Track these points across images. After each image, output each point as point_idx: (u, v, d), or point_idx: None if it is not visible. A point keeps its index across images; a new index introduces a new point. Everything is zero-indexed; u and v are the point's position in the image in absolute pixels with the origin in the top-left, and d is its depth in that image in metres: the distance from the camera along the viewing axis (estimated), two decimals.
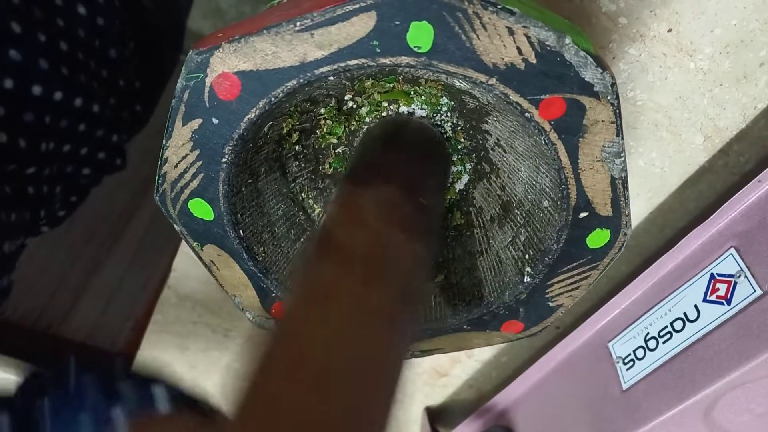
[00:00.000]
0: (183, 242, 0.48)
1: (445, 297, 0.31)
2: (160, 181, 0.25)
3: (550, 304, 0.29)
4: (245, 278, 0.28)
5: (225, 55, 0.21)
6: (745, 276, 0.30)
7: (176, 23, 0.44)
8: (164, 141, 0.23)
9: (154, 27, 0.38)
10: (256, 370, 0.15)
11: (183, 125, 0.23)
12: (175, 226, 0.26)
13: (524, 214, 0.29)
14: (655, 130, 0.36)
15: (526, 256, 0.28)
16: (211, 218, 0.26)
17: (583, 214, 0.25)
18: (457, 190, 0.31)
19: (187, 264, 0.50)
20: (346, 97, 0.29)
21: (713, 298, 0.31)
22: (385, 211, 0.22)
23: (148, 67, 0.39)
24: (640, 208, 0.41)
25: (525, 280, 0.28)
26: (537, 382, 0.44)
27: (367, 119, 0.30)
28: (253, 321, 0.31)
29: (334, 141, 0.31)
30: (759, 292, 0.29)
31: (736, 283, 0.30)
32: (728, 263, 0.31)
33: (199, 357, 0.63)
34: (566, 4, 0.30)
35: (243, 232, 0.27)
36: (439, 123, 0.29)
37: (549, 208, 0.26)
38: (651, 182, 0.39)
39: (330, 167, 0.32)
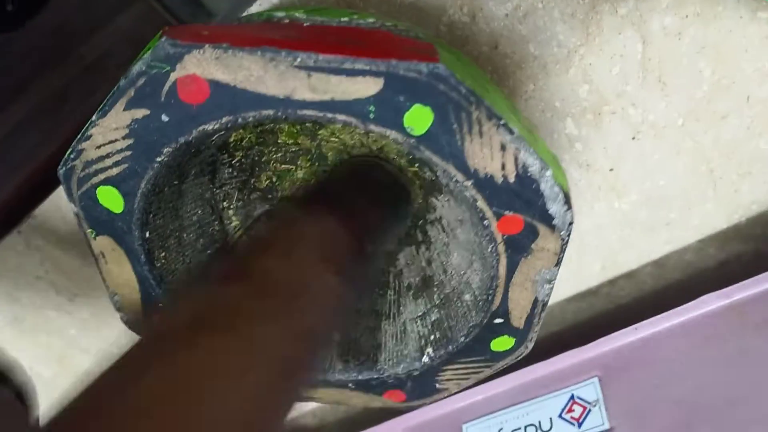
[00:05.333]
0: (58, 192, 0.42)
1: (338, 350, 0.30)
2: (72, 156, 0.21)
3: (438, 385, 0.29)
4: (134, 281, 0.25)
5: (204, 58, 0.18)
6: (600, 407, 0.33)
7: None
8: (94, 117, 0.20)
9: None
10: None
11: (125, 109, 0.20)
12: (72, 206, 0.23)
13: (442, 297, 0.29)
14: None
15: (432, 337, 0.28)
16: (119, 211, 0.23)
17: (497, 320, 0.26)
18: None
19: (51, 216, 0.44)
20: (306, 123, 0.28)
21: (568, 417, 0.34)
22: (327, 249, 0.20)
23: None
24: None
25: (423, 360, 0.28)
26: None
27: (331, 148, 0.29)
28: (125, 321, 0.27)
29: (280, 156, 0.29)
30: (606, 426, 0.32)
31: (590, 411, 0.33)
32: (589, 390, 0.34)
33: (29, 312, 0.55)
34: (538, 114, 0.31)
35: (149, 234, 0.24)
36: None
37: (469, 303, 0.27)
38: None
39: (266, 180, 0.30)
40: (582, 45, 0.29)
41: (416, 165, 0.28)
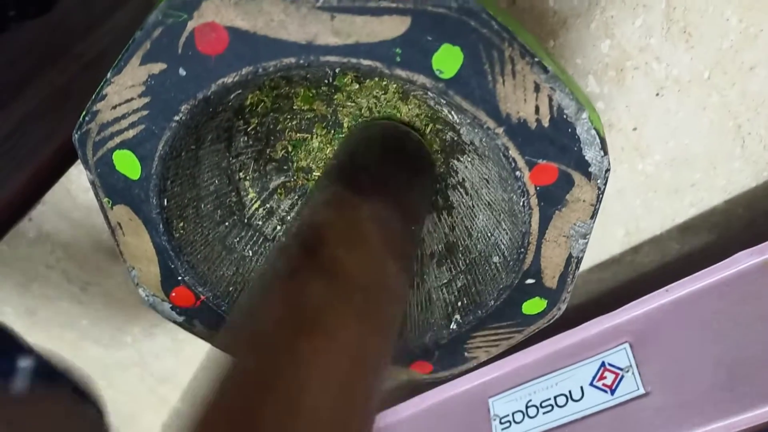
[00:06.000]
0: (68, 176, 0.41)
1: None
2: (87, 118, 0.20)
3: (466, 354, 0.28)
4: (153, 252, 0.24)
5: (223, 4, 0.18)
6: (633, 372, 0.32)
7: None
8: (109, 75, 0.19)
9: None
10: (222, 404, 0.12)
11: (140, 64, 0.19)
12: (87, 173, 0.22)
13: (468, 261, 0.28)
14: None
15: (459, 303, 0.28)
16: (137, 177, 0.22)
17: (529, 281, 0.25)
18: None
19: (61, 200, 0.43)
20: (322, 88, 0.27)
21: (599, 384, 0.33)
22: (385, 233, 0.19)
23: None
24: None
25: (451, 327, 0.27)
26: (407, 418, 0.44)
27: (347, 114, 0.28)
28: (146, 299, 0.27)
29: (295, 124, 0.28)
30: (642, 390, 0.31)
31: (623, 377, 0.32)
32: (620, 356, 0.33)
33: (41, 304, 0.55)
34: (562, 75, 0.30)
35: (167, 202, 0.23)
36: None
37: (498, 265, 0.26)
38: None
39: (281, 150, 0.29)
40: None
41: (437, 125, 0.27)
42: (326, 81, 0.27)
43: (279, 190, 0.30)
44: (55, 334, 0.57)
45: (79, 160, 0.36)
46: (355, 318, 0.15)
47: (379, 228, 0.19)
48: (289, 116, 0.28)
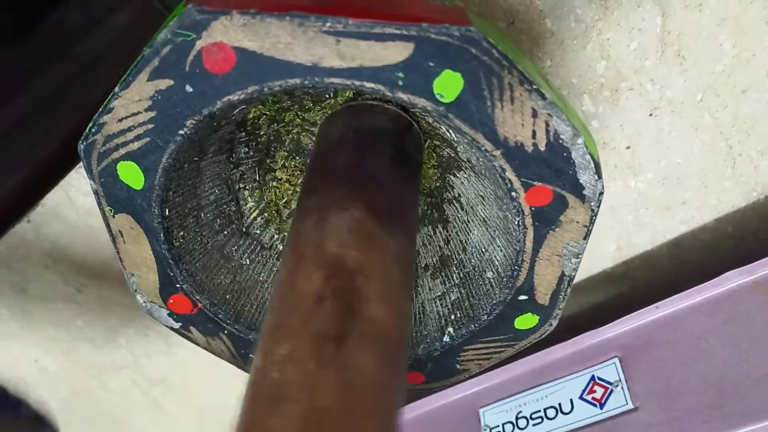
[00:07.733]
0: (67, 179, 0.41)
1: None
2: (93, 130, 0.21)
3: (458, 366, 0.29)
4: (152, 260, 0.25)
5: (231, 25, 0.18)
6: (622, 387, 0.33)
7: None
8: (117, 89, 0.20)
9: None
10: None
11: (148, 80, 0.19)
12: (91, 183, 0.22)
13: (462, 275, 0.28)
14: None
15: (452, 317, 0.28)
16: (140, 187, 0.22)
17: (522, 297, 0.25)
18: None
19: (60, 203, 0.44)
20: (323, 101, 0.27)
21: (589, 398, 0.34)
22: (407, 278, 0.18)
23: None
24: None
25: (444, 340, 0.28)
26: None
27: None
28: (143, 305, 0.27)
29: (295, 134, 0.29)
30: (630, 405, 0.32)
31: (612, 391, 0.33)
32: (610, 370, 0.34)
33: (37, 304, 0.55)
34: (559, 102, 0.31)
35: (169, 212, 0.24)
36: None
37: (491, 280, 0.26)
38: None
39: (281, 161, 0.29)
40: (600, 19, 0.29)
41: (434, 141, 0.28)
42: (327, 95, 0.27)
43: None
44: (50, 334, 0.57)
45: (77, 164, 0.36)
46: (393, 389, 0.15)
47: (402, 272, 0.18)
48: (289, 128, 0.29)
